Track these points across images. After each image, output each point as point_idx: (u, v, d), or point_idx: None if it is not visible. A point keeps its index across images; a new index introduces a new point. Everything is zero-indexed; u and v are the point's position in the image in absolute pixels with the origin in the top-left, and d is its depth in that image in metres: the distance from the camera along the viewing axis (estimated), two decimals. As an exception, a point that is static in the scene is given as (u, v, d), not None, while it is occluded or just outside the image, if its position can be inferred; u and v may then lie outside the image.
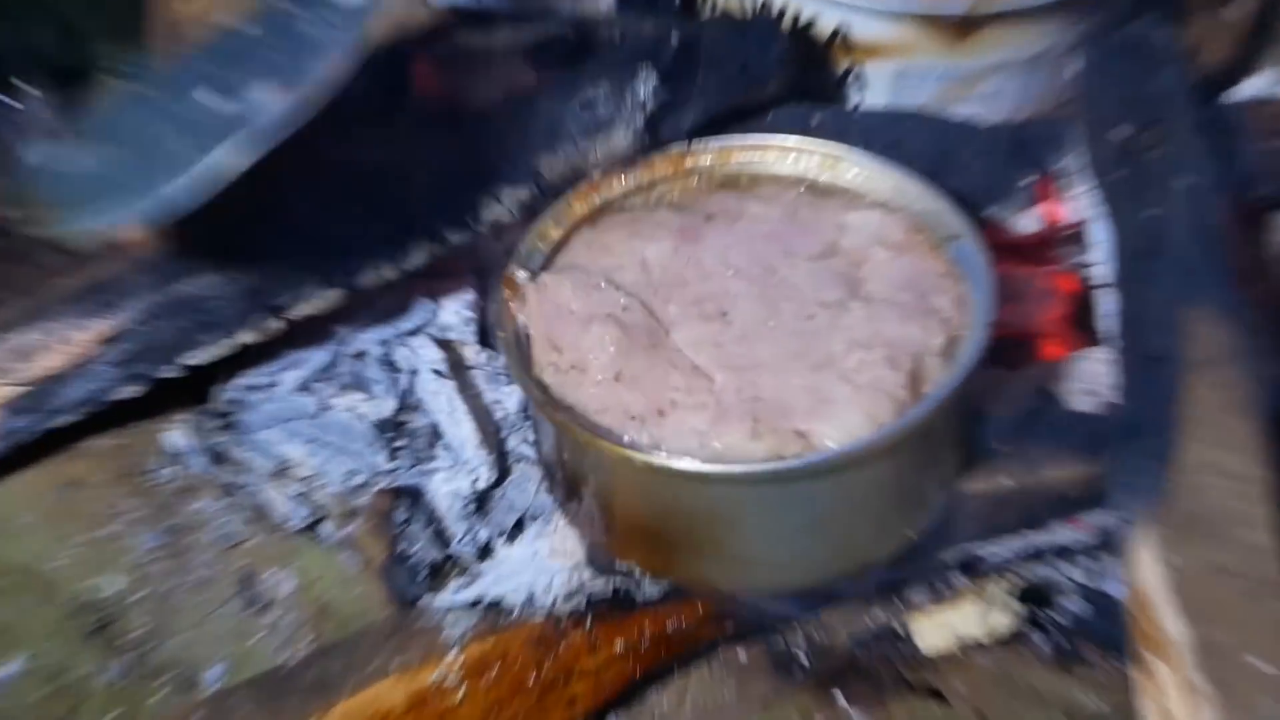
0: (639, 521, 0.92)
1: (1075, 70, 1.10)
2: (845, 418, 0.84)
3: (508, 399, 1.11)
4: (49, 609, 1.00)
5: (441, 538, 1.04)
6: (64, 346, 1.03)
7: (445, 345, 1.13)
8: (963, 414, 0.93)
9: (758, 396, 0.86)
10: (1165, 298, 0.91)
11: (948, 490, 0.94)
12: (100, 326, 1.03)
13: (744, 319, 0.92)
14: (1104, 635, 0.95)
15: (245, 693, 0.91)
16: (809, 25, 1.16)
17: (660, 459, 0.83)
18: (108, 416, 1.07)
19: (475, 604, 0.96)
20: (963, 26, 1.13)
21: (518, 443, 1.09)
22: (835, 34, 1.16)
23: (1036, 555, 0.98)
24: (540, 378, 0.91)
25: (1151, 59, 1.06)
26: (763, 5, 1.17)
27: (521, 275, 0.97)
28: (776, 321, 0.91)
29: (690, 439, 0.85)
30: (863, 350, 0.88)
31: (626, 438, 0.86)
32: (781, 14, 1.16)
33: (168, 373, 1.04)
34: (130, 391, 1.04)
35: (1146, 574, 0.79)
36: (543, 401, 0.89)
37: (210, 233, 1.00)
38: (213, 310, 1.03)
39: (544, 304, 0.94)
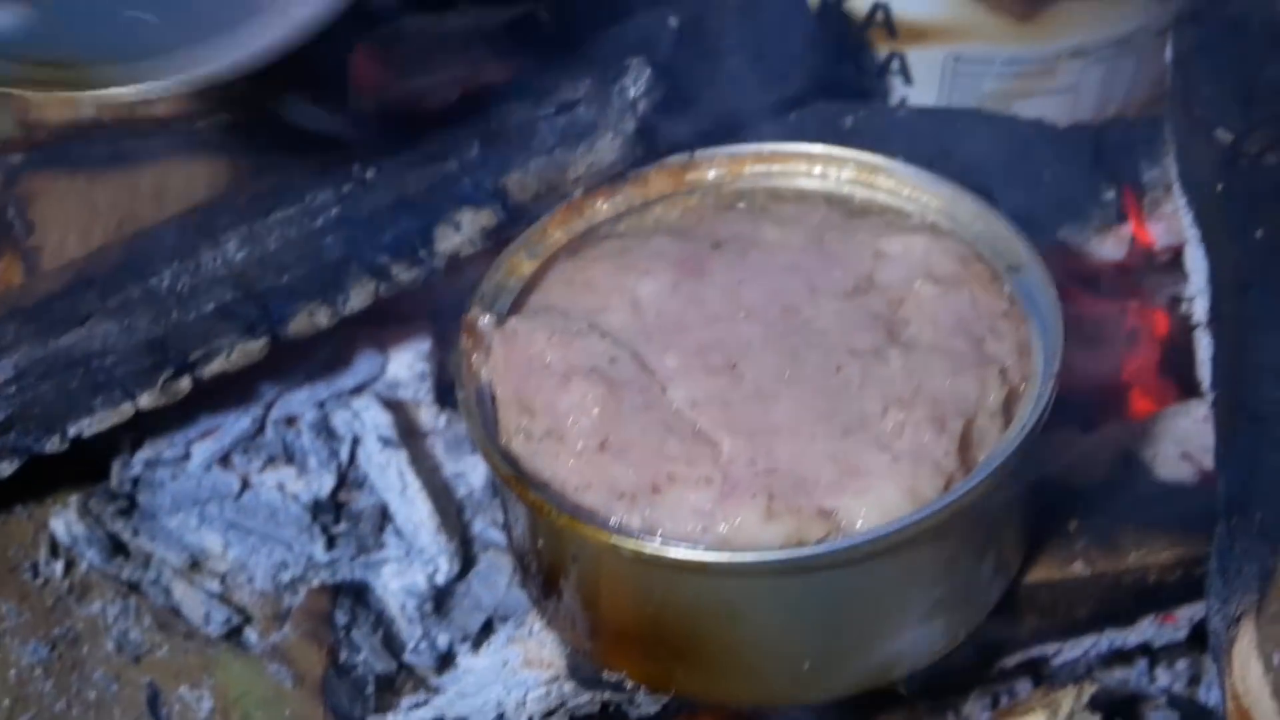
0: (630, 622, 0.97)
1: (1171, 56, 1.14)
2: (880, 493, 0.90)
3: (471, 473, 1.19)
4: (-93, 739, 1.06)
5: (392, 645, 1.11)
6: (-88, 413, 1.08)
7: (395, 407, 1.20)
8: (1025, 487, 0.98)
9: (773, 468, 0.92)
10: (1279, 340, 0.97)
11: (1007, 580, 1.01)
12: (-40, 388, 1.08)
13: (758, 372, 0.97)
14: (1199, 753, 1.01)
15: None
16: (840, 1, 1.22)
17: (654, 546, 0.89)
18: (-24, 500, 1.14)
19: (433, 725, 1.03)
20: (1030, 2, 1.18)
21: (484, 526, 1.17)
22: (874, 12, 1.22)
23: (1118, 657, 1.05)
24: (509, 447, 0.97)
25: (1265, 39, 1.11)
26: (784, -22, 1.23)
27: (485, 320, 1.03)
28: (797, 375, 0.97)
29: (691, 521, 0.90)
30: (902, 410, 0.94)
31: (614, 520, 0.91)
32: (807, -13, 1.22)
33: (50, 446, 1.09)
34: (2, 469, 1.10)
35: (1251, 680, 0.84)
36: (512, 477, 0.94)
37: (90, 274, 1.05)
38: (106, 368, 1.09)
39: (513, 356, 1.00)
